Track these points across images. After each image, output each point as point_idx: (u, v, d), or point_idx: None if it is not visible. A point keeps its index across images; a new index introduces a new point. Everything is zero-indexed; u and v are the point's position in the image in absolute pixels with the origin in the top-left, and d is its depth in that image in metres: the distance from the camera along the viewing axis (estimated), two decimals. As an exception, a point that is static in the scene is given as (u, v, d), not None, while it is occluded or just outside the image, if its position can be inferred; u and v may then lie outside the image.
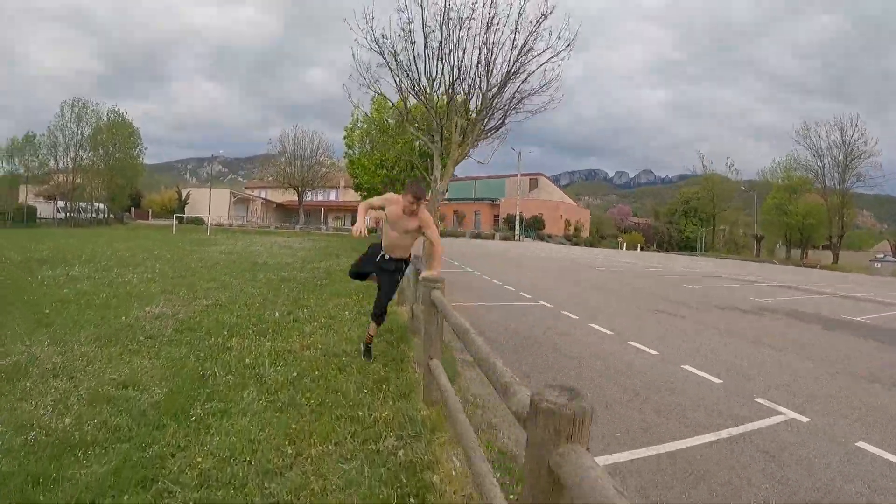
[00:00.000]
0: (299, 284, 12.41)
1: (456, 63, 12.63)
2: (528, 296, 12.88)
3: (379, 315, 5.89)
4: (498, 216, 74.32)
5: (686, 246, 78.44)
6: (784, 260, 59.77)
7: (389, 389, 4.84)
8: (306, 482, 3.10)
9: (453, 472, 3.31)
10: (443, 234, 48.16)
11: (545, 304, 11.73)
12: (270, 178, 77.60)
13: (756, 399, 5.41)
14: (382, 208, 5.83)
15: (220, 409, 4.13)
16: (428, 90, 12.97)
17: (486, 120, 13.17)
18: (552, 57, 12.64)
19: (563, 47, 12.74)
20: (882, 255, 54.49)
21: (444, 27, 12.33)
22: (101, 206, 62.57)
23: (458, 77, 12.70)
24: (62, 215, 58.67)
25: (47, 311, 7.93)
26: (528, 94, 13.16)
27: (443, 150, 13.07)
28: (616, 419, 4.80)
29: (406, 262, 6.05)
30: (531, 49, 12.53)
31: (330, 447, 3.59)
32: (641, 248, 72.63)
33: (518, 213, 64.57)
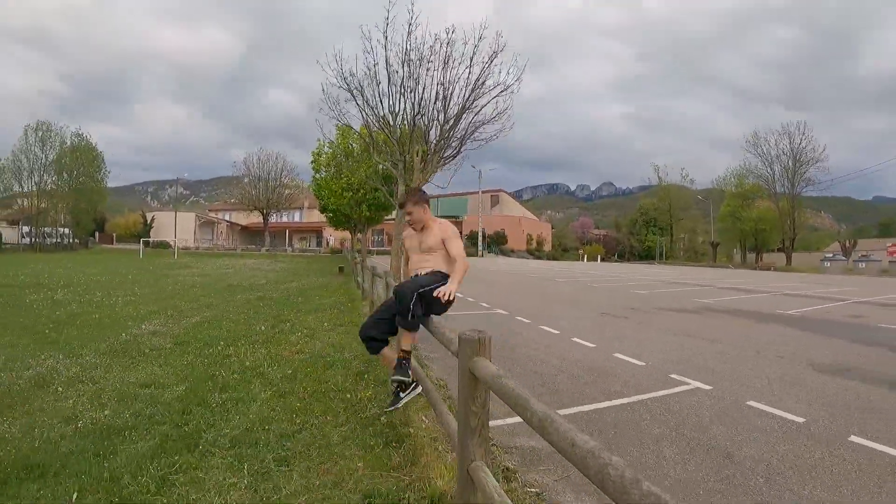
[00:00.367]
0: (276, 303, 13.39)
1: (416, 99, 14.01)
2: (486, 305, 14.03)
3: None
4: (461, 233, 75.66)
5: (647, 255, 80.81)
6: (739, 264, 62.34)
7: (370, 378, 5.90)
8: (314, 439, 4.12)
9: (423, 425, 4.39)
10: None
11: (501, 311, 12.88)
12: (233, 200, 77.85)
13: (671, 375, 6.59)
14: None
15: (234, 398, 5.12)
16: (391, 123, 14.28)
17: (444, 149, 14.50)
18: (502, 91, 14.13)
19: (513, 81, 14.21)
20: (831, 255, 57.29)
21: (405, 65, 13.66)
22: (66, 230, 62.15)
23: (419, 112, 14.03)
24: (27, 240, 58.21)
25: (47, 331, 8.79)
26: (481, 125, 14.62)
27: (406, 176, 14.29)
28: (554, 390, 5.92)
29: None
30: (483, 83, 13.95)
31: (328, 417, 4.62)
32: (602, 259, 74.66)
33: (480, 229, 66.02)
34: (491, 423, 2.78)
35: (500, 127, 14.57)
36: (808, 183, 59.23)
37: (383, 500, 3.20)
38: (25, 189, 59.16)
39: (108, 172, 64.76)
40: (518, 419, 3.16)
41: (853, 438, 4.55)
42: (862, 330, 11.08)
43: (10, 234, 59.11)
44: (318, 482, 3.42)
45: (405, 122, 14.26)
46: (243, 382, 5.69)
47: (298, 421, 4.51)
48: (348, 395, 5.25)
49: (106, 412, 4.77)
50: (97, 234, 71.50)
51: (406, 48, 13.55)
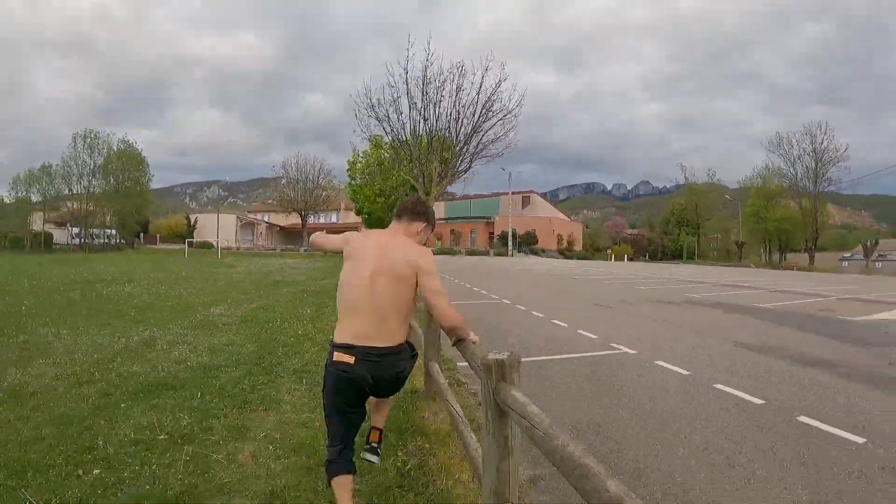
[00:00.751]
0: (317, 294, 15.83)
1: (433, 123, 16.55)
2: (495, 296, 16.28)
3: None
4: (493, 233, 77.87)
5: (679, 255, 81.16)
6: (762, 264, 62.98)
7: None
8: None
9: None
10: (439, 253, 51.34)
11: (506, 301, 15.13)
12: (272, 202, 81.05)
13: (611, 343, 8.73)
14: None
15: (292, 351, 7.47)
16: (411, 145, 16.86)
17: (457, 165, 17.03)
18: (505, 115, 16.70)
19: (515, 106, 16.76)
20: (850, 255, 57.86)
21: (423, 95, 16.24)
22: (113, 231, 65.77)
23: (435, 135, 16.57)
24: (77, 241, 61.93)
25: (133, 313, 11.17)
26: (488, 144, 17.23)
27: (425, 186, 16.75)
28: (523, 350, 8.11)
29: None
30: (490, 108, 16.40)
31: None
32: (629, 259, 75.69)
33: (511, 229, 67.99)
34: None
35: (507, 144, 17.18)
36: (829, 182, 59.80)
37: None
38: (74, 193, 62.93)
39: (153, 176, 68.27)
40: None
41: (718, 386, 6.41)
42: (817, 321, 12.57)
43: (60, 235, 63.18)
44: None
45: (424, 141, 16.79)
46: (298, 342, 8.07)
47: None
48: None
49: (204, 357, 7.09)
50: (142, 235, 75.06)
51: (425, 76, 16.21)
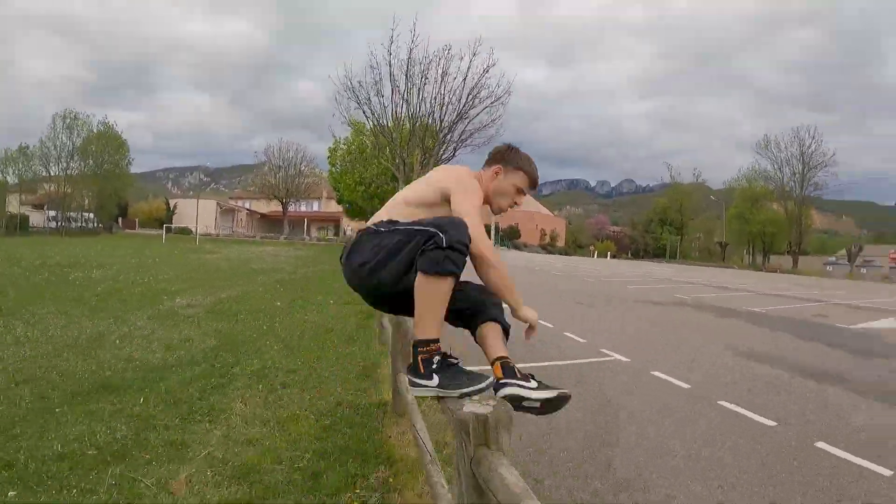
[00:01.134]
0: (293, 284, 15.14)
1: (416, 109, 15.82)
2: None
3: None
4: (474, 226, 77.07)
5: (661, 254, 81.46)
6: (745, 266, 63.17)
7: (358, 340, 7.58)
8: (309, 374, 5.77)
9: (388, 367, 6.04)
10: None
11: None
12: (253, 189, 79.92)
13: (601, 349, 8.15)
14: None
15: (254, 349, 6.81)
16: (393, 131, 16.11)
17: (441, 153, 16.29)
18: (493, 102, 15.98)
19: (503, 93, 16.05)
20: (834, 259, 58.17)
21: (407, 78, 15.48)
22: (90, 215, 64.26)
23: (418, 121, 15.80)
24: (53, 224, 60.42)
25: (95, 302, 10.47)
26: (473, 132, 16.51)
27: (406, 175, 16.04)
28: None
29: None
30: (477, 95, 15.70)
31: (322, 363, 6.28)
32: (612, 257, 75.70)
33: (494, 223, 67.54)
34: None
35: (494, 132, 16.49)
36: (815, 187, 59.91)
37: (349, 404, 4.83)
38: (52, 174, 61.21)
39: (133, 160, 66.81)
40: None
41: (723, 403, 5.88)
42: (814, 328, 12.26)
43: (36, 218, 61.54)
44: (308, 397, 5.05)
45: (406, 127, 16.06)
46: (261, 339, 7.38)
47: (299, 363, 6.17)
48: (339, 350, 6.93)
49: (157, 355, 6.43)
50: (120, 219, 73.54)
51: (409, 57, 15.45)
